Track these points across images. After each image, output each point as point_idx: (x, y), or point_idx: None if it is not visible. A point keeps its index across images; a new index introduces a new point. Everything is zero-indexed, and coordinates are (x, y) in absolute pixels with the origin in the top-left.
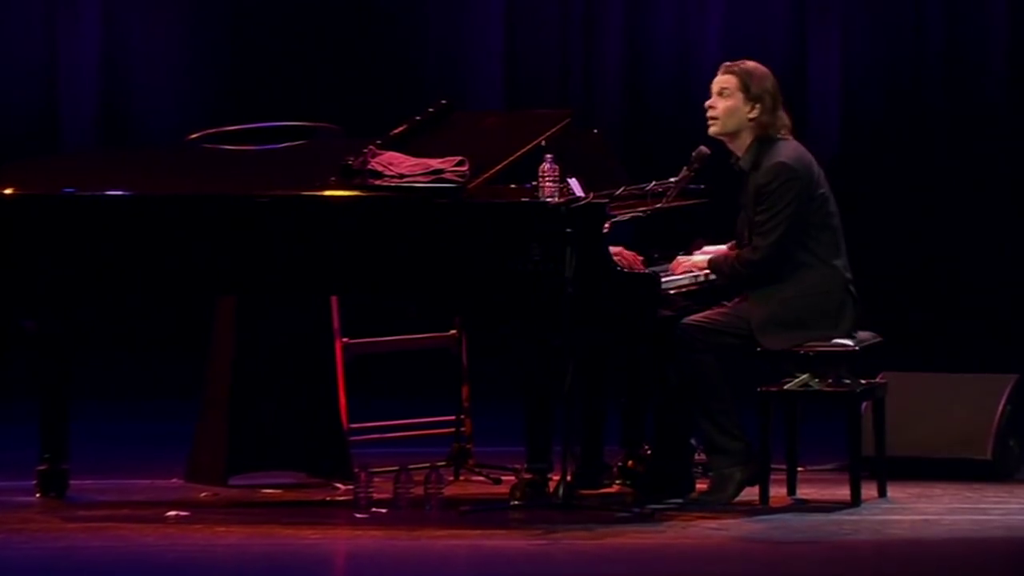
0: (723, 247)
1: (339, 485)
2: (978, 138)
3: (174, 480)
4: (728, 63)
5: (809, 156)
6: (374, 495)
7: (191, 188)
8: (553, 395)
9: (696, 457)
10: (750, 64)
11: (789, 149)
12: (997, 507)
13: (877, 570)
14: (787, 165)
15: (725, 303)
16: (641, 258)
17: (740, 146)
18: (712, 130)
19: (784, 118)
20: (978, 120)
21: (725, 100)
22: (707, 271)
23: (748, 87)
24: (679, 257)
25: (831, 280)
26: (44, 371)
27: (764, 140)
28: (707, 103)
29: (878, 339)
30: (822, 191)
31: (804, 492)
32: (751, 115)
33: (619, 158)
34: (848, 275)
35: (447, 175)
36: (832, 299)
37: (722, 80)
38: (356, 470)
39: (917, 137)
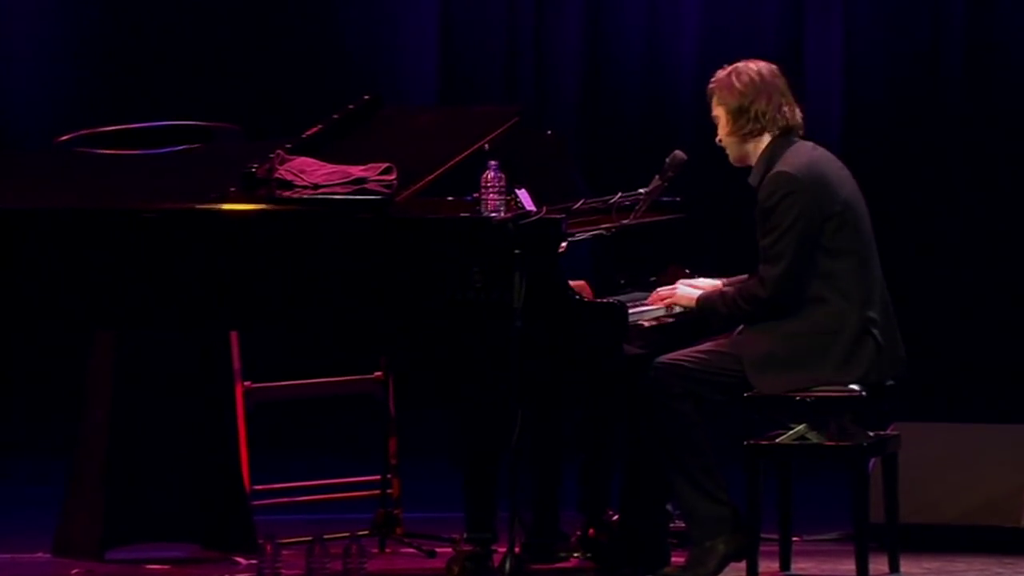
0: (714, 281)
1: (240, 560)
2: (1005, 130)
3: (40, 554)
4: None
5: (824, 164)
6: (283, 571)
7: (61, 200)
8: (498, 450)
9: (672, 525)
10: (724, 72)
11: (796, 155)
12: None
13: None
14: (786, 175)
15: (709, 338)
16: (591, 293)
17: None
18: (731, 161)
19: (786, 115)
20: (1003, 109)
21: (719, 126)
22: (691, 308)
23: (727, 102)
24: (659, 290)
25: (846, 319)
26: None
27: (772, 150)
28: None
29: (889, 381)
30: (838, 209)
31: (800, 566)
32: (743, 131)
33: (578, 165)
34: (872, 314)
35: (371, 185)
36: (842, 340)
37: (712, 107)
38: (261, 541)
39: (932, 130)
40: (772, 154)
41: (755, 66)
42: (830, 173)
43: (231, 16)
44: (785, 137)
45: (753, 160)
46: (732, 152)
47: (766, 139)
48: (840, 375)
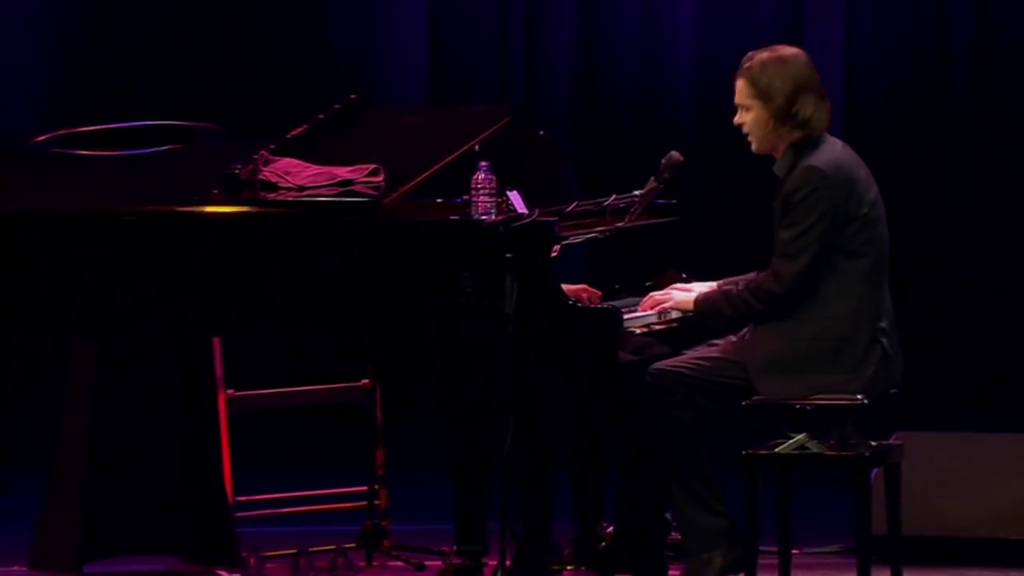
0: (709, 284)
1: (223, 573)
2: (1007, 131)
3: (16, 568)
4: (744, 59)
5: (851, 166)
6: None
7: (38, 202)
8: (489, 460)
9: (669, 536)
10: (762, 56)
11: (828, 150)
12: None
13: None
14: (817, 170)
15: (707, 343)
16: (600, 293)
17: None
18: (753, 149)
19: (817, 110)
20: (1005, 109)
21: (748, 113)
22: (688, 312)
23: (759, 87)
24: (653, 294)
25: (857, 326)
26: None
27: (803, 143)
28: (734, 121)
29: (892, 390)
30: (865, 211)
31: None
32: (786, 136)
33: (571, 165)
34: (883, 324)
35: (358, 187)
36: (853, 349)
37: (737, 90)
38: (244, 554)
39: (933, 131)
40: (802, 146)
41: (797, 59)
42: (858, 177)
43: (218, 15)
44: (808, 135)
45: (778, 151)
46: (759, 144)
47: (793, 135)
48: (846, 383)
